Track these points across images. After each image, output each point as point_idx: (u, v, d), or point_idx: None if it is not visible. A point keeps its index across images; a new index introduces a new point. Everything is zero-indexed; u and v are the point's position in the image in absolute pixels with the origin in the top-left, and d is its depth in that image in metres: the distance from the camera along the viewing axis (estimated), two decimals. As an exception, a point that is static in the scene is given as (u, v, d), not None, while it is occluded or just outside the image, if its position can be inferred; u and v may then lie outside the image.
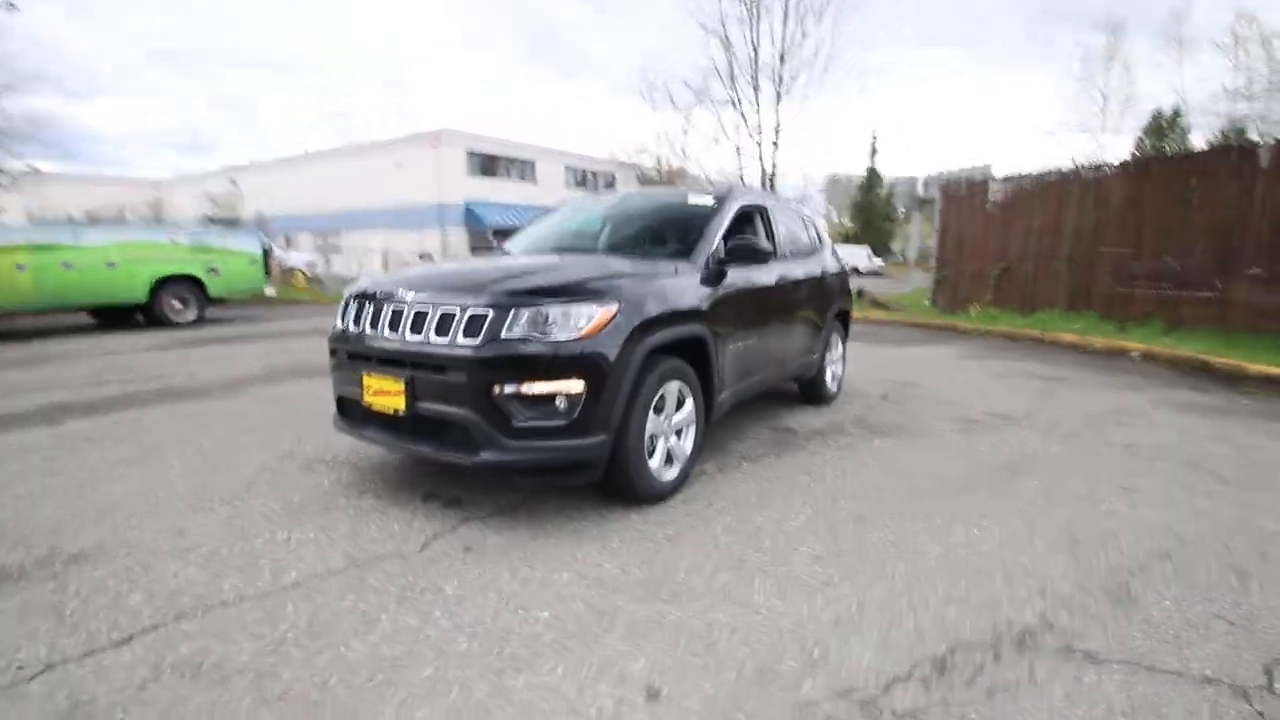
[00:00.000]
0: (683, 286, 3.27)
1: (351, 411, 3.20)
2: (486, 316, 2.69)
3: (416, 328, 2.82)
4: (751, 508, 3.15)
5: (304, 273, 17.50)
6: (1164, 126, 40.65)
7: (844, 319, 5.61)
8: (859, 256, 36.85)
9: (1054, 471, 3.75)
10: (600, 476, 2.88)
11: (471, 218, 29.13)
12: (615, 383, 2.77)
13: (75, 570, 2.42)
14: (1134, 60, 49.57)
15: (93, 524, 2.83)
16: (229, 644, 1.99)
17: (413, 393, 2.80)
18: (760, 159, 17.51)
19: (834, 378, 5.40)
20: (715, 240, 3.65)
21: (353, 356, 3.08)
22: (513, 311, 2.68)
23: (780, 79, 17.10)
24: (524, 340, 2.66)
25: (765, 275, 4.07)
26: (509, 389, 2.66)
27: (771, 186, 17.98)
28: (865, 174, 50.10)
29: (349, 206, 31.04)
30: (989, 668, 1.96)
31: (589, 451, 2.75)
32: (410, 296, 2.90)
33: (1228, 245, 9.08)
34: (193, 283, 9.90)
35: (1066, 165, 12.13)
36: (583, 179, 35.89)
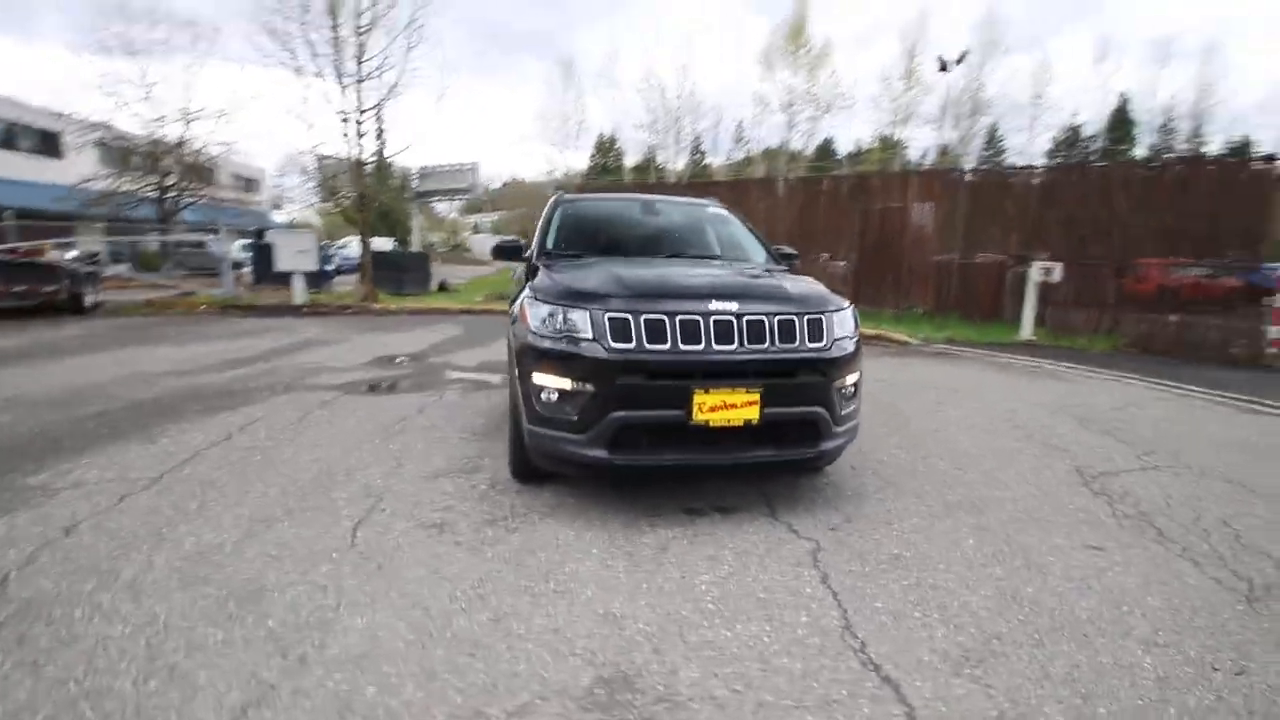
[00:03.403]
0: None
1: (633, 440, 2.88)
2: (822, 321, 3.03)
3: (756, 337, 2.90)
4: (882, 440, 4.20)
5: None
6: (607, 148, 52.46)
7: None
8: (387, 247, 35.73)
9: (977, 393, 5.89)
10: (841, 450, 3.51)
11: None
12: (859, 370, 3.46)
13: None
14: (585, 90, 61.73)
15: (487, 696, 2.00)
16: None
17: (766, 400, 2.88)
18: (348, 139, 16.15)
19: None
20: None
21: (663, 375, 2.81)
22: (836, 315, 3.10)
23: (361, 61, 15.98)
24: (843, 339, 3.12)
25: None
26: (839, 382, 3.09)
27: (360, 169, 16.79)
28: (374, 159, 48.71)
29: None
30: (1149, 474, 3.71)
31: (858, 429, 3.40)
32: (734, 307, 2.90)
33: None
34: None
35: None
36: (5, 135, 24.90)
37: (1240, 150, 39.19)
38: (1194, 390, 6.59)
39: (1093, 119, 45.12)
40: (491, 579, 2.48)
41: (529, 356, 3.03)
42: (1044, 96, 43.97)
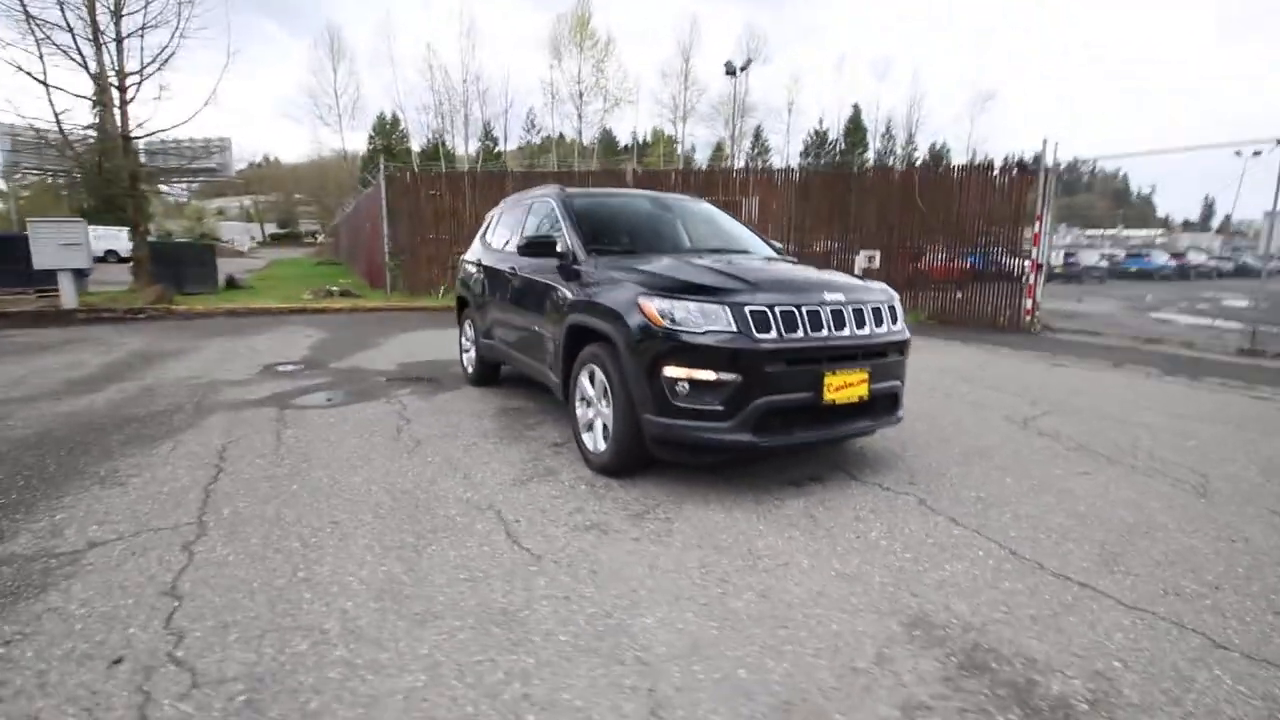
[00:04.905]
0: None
1: (769, 423, 3.11)
2: (895, 307, 3.53)
3: (859, 323, 3.30)
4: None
5: None
6: (388, 128, 48.90)
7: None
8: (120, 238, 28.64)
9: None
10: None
11: None
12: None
13: None
14: (360, 66, 56.86)
15: None
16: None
17: (872, 378, 3.31)
18: (116, 107, 13.47)
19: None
20: (763, 241, 4.85)
21: (799, 361, 3.08)
22: (898, 302, 3.62)
23: (120, 15, 13.29)
24: (904, 323, 3.66)
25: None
26: (906, 359, 3.64)
27: (127, 148, 14.10)
28: (97, 136, 39.49)
29: None
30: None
31: (899, 400, 3.98)
32: (841, 297, 3.27)
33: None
34: None
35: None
36: None
37: (939, 154, 48.67)
38: (1006, 351, 8.42)
39: (833, 125, 52.74)
40: (710, 565, 2.59)
41: (657, 351, 3.10)
42: (795, 103, 50.21)
